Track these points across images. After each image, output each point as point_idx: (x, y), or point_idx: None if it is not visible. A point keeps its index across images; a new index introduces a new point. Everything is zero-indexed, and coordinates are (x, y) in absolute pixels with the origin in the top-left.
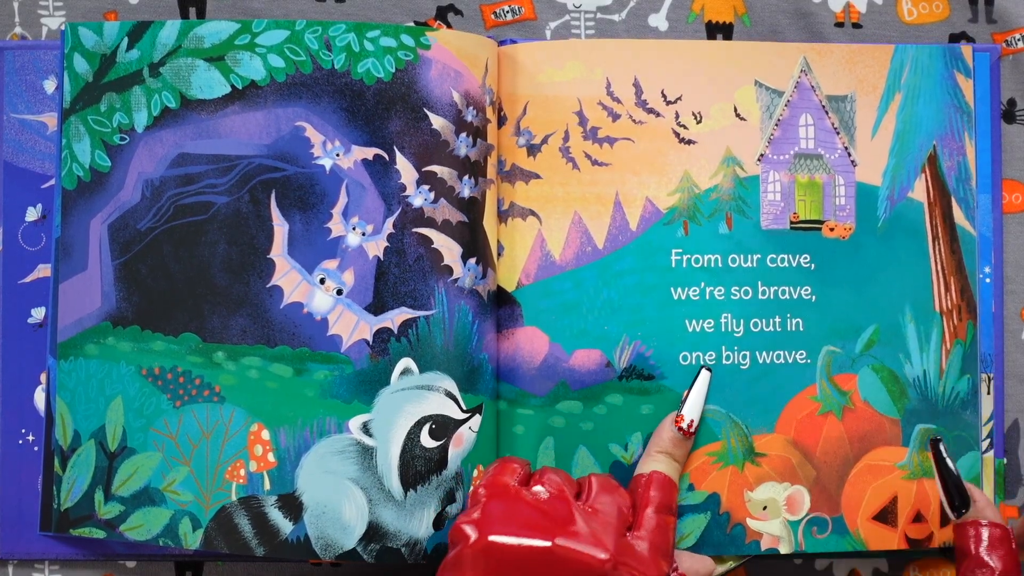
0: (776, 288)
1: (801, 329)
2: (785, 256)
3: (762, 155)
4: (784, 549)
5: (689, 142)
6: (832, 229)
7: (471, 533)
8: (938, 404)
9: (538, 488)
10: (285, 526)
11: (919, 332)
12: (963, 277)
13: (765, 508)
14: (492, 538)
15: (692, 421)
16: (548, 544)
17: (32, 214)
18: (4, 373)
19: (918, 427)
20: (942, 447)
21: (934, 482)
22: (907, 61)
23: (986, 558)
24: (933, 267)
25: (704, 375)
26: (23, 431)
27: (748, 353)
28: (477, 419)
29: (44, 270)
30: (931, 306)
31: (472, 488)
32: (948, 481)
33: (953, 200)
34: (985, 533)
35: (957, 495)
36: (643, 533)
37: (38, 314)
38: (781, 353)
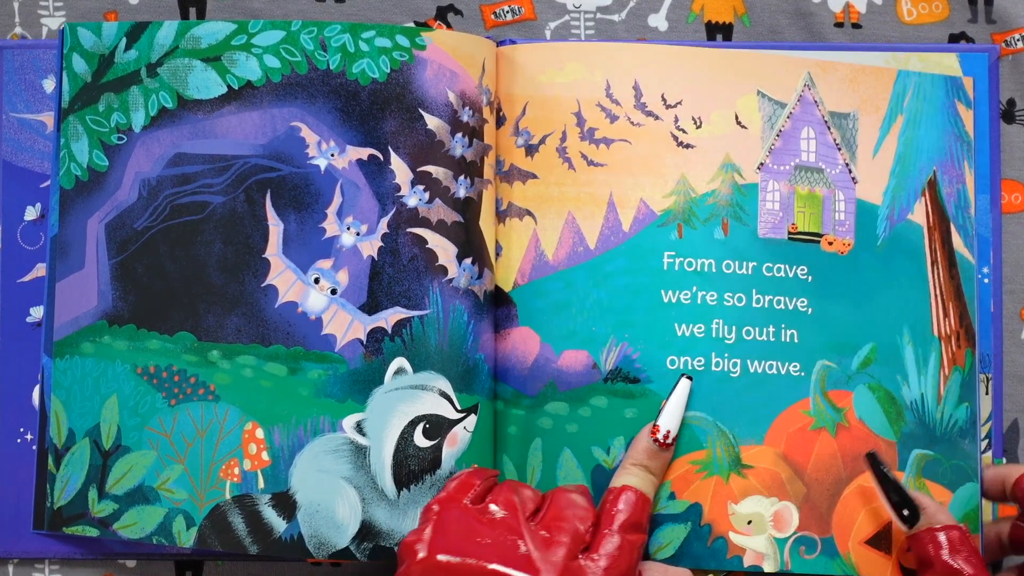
0: (771, 297)
1: (796, 341)
2: (782, 266)
3: (762, 164)
4: (768, 567)
5: (687, 146)
6: (831, 243)
7: (419, 550)
8: (936, 430)
9: (493, 507)
10: (279, 524)
11: (917, 355)
12: (962, 304)
13: (750, 523)
14: (439, 557)
15: (669, 432)
16: (493, 567)
17: (31, 213)
18: (2, 372)
19: (915, 452)
20: (878, 458)
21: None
22: (910, 86)
23: (951, 563)
24: (932, 291)
25: (684, 384)
26: (21, 430)
27: (739, 361)
28: (472, 419)
29: (43, 269)
30: (930, 330)
31: (427, 503)
32: (891, 493)
33: (952, 226)
34: (943, 538)
35: (905, 506)
36: (600, 555)
37: (37, 313)
38: (774, 363)
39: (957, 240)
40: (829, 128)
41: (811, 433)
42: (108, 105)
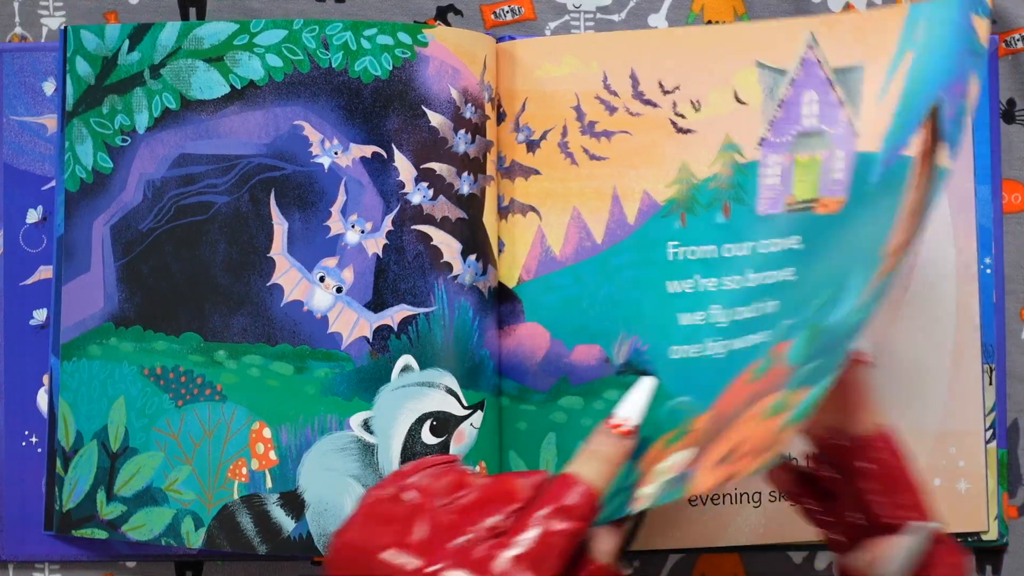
0: (763, 274)
1: (776, 311)
2: (777, 240)
3: (763, 139)
4: (640, 507)
5: (687, 131)
6: (825, 205)
7: (338, 531)
8: (830, 336)
9: (410, 494)
10: (287, 523)
11: (858, 281)
12: (922, 215)
13: (660, 475)
14: (344, 542)
15: (624, 420)
16: (383, 555)
17: (33, 216)
18: (6, 375)
19: (807, 367)
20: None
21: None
22: (922, 18)
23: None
24: (899, 215)
25: (645, 380)
26: (26, 432)
27: (727, 342)
28: (479, 415)
29: (45, 272)
30: (878, 253)
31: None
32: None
33: (941, 143)
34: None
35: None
36: (515, 540)
37: (40, 316)
38: (751, 337)
39: (943, 156)
40: (833, 87)
41: (745, 387)
42: (112, 107)
